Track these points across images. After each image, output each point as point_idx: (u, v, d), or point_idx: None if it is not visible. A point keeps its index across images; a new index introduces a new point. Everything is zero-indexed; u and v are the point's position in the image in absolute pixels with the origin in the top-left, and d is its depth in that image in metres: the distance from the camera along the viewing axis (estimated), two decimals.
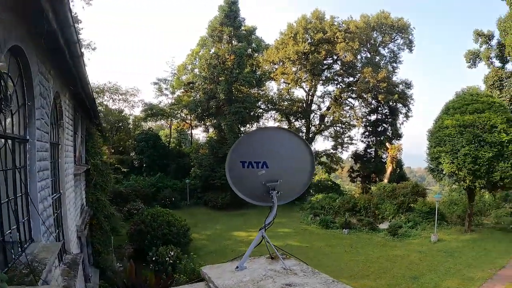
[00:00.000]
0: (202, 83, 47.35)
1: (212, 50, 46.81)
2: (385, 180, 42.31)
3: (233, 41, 46.05)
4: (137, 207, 32.45)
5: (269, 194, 4.11)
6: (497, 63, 49.18)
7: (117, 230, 23.59)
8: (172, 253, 19.84)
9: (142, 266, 19.07)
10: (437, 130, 27.18)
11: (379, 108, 53.65)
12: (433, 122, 28.67)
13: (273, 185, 4.08)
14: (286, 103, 53.67)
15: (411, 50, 53.52)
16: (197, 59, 50.26)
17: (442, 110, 28.48)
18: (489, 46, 49.27)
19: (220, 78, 43.58)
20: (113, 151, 48.67)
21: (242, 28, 47.33)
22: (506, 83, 47.16)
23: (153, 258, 19.70)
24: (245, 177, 4.13)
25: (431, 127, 28.36)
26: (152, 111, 51.32)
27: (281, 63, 50.65)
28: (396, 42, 53.61)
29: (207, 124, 51.90)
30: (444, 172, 26.53)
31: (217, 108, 44.91)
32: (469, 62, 50.74)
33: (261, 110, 53.58)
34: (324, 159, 56.19)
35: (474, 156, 24.79)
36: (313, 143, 55.05)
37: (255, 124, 50.01)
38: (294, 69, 50.57)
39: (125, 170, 46.05)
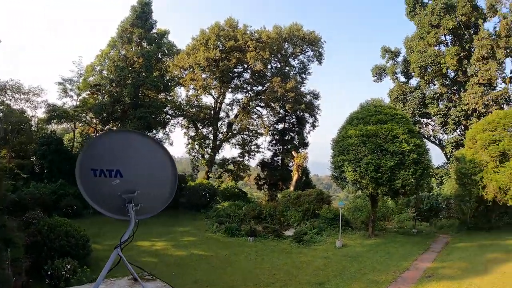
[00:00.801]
0: (109, 86, 45.34)
1: (122, 52, 45.07)
2: (291, 188, 43.21)
3: (143, 43, 44.71)
4: (36, 216, 30.04)
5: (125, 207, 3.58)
6: (402, 78, 52.61)
7: (14, 242, 21.57)
8: (68, 266, 18.37)
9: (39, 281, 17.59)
10: (341, 139, 28.12)
11: (287, 117, 55.24)
12: (337, 131, 29.45)
13: (129, 197, 3.57)
14: (194, 109, 53.09)
15: (320, 63, 55.62)
16: (106, 60, 48.17)
17: (347, 120, 29.61)
18: (395, 62, 52.62)
19: (127, 81, 41.91)
20: (13, 155, 45.02)
21: (154, 30, 46.22)
22: (409, 97, 50.43)
23: (49, 272, 18.12)
24: (99, 186, 3.64)
25: (335, 137, 29.10)
26: (55, 113, 47.97)
27: (191, 69, 50.10)
28: (306, 54, 55.39)
29: (112, 128, 49.74)
30: (347, 180, 27.28)
31: (123, 112, 43.19)
32: (376, 76, 53.75)
33: (168, 116, 52.56)
34: (231, 166, 56.37)
35: (376, 165, 25.87)
36: (220, 150, 55.22)
37: (161, 130, 48.82)
38: (203, 75, 50.25)
39: (25, 176, 42.76)
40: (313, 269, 21.93)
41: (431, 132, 52.04)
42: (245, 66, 52.17)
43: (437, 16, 44.75)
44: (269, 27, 53.18)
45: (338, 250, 26.22)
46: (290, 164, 52.02)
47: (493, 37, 42.84)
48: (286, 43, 53.97)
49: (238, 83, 54.34)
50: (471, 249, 26.69)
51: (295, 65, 56.01)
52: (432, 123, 51.41)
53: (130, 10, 44.24)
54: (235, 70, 52.33)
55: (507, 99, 43.97)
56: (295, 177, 44.32)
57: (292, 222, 33.71)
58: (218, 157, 56.03)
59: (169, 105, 51.43)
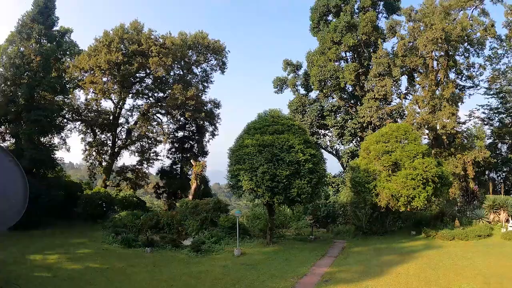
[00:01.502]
0: (3, 85, 41.80)
1: (22, 49, 41.67)
2: (190, 197, 42.88)
3: (42, 40, 41.70)
4: None
5: None
6: (302, 91, 54.43)
7: None
8: None
9: None
10: (237, 148, 28.26)
11: (187, 126, 55.34)
12: (234, 141, 29.51)
13: None
14: (92, 114, 50.75)
15: (223, 72, 56.23)
16: (4, 56, 44.32)
17: (244, 130, 29.80)
18: (296, 75, 54.24)
19: (22, 81, 38.89)
20: None
21: (56, 28, 43.37)
22: (308, 109, 52.21)
23: None
24: None
25: (232, 146, 29.11)
26: None
27: (91, 71, 48.12)
28: (210, 62, 55.49)
29: (3, 132, 45.93)
30: (243, 189, 27.29)
31: (16, 114, 39.93)
32: (277, 87, 55.06)
33: (65, 120, 49.97)
34: (130, 174, 54.80)
35: (272, 174, 26.26)
36: (118, 158, 53.62)
37: (56, 135, 45.95)
38: (104, 79, 48.50)
39: None
40: (212, 278, 21.63)
41: (328, 143, 54.57)
42: (147, 71, 51.21)
43: (339, 34, 47.10)
44: (175, 33, 52.53)
45: (236, 258, 26.21)
46: (189, 172, 51.60)
47: (390, 56, 45.91)
48: (191, 50, 53.87)
49: (139, 88, 53.31)
50: (367, 252, 28.09)
51: (198, 73, 56.39)
52: (330, 134, 53.92)
53: (32, 3, 41.02)
54: (137, 75, 51.22)
55: (401, 113, 47.06)
56: (193, 185, 43.93)
57: (190, 232, 33.31)
58: (117, 164, 54.30)
59: (66, 109, 48.63)
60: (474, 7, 45.47)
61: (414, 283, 20.09)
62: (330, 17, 51.46)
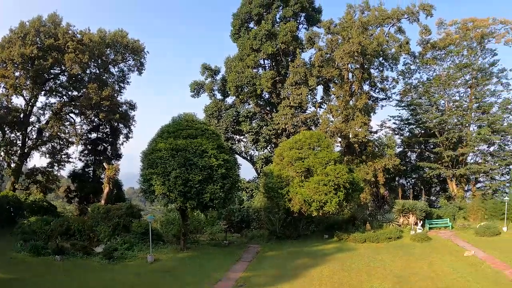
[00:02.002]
0: None
1: None
2: (102, 201, 41.34)
3: None
4: None
5: None
6: (219, 96, 54.79)
7: None
8: None
9: None
10: (150, 152, 27.91)
11: (101, 127, 53.27)
12: (148, 144, 28.98)
13: None
14: (2, 111, 47.18)
15: (140, 73, 55.25)
16: None
17: (157, 133, 29.45)
18: (214, 80, 54.40)
19: None
20: None
21: None
22: (224, 114, 52.50)
23: None
24: None
25: (145, 149, 28.57)
26: None
27: (4, 64, 45.04)
28: (127, 62, 53.93)
29: None
30: (156, 194, 26.83)
31: None
32: (194, 91, 54.94)
33: None
34: (40, 177, 51.96)
35: (185, 179, 26.20)
36: (28, 159, 50.73)
37: None
38: (17, 73, 45.74)
39: None
40: (126, 287, 21.23)
41: (243, 148, 55.46)
42: (62, 68, 48.82)
43: (259, 41, 47.90)
44: (94, 30, 50.67)
45: (150, 265, 25.86)
46: (102, 176, 49.85)
47: (307, 66, 47.37)
48: (109, 48, 52.12)
49: (53, 86, 50.84)
50: (281, 256, 28.82)
51: (115, 73, 54.67)
52: (245, 140, 54.70)
53: None
54: (51, 71, 48.77)
55: (315, 121, 48.64)
56: (106, 190, 42.40)
57: (102, 238, 32.14)
58: (27, 166, 51.44)
59: None
60: (391, 24, 48.53)
61: (327, 285, 21.08)
62: (251, 25, 52.31)
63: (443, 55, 53.70)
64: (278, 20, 51.46)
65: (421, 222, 37.73)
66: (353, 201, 36.74)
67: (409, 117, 58.42)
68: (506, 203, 38.50)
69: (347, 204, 35.62)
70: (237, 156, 47.31)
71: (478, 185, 54.89)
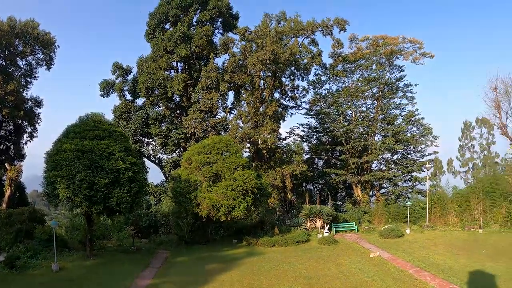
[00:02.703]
0: None
1: None
2: (4, 205, 38.98)
3: None
4: None
5: None
6: (129, 97, 53.53)
7: None
8: None
9: None
10: (55, 153, 26.69)
11: (4, 124, 49.78)
12: (52, 144, 27.72)
13: None
14: None
15: (49, 68, 52.05)
16: None
17: (63, 133, 28.25)
18: (125, 80, 53.13)
19: None
20: None
21: None
22: (133, 116, 51.49)
23: None
24: None
25: (50, 150, 27.31)
26: None
27: None
28: (36, 56, 50.97)
29: None
30: (60, 197, 25.72)
31: None
32: (103, 91, 53.33)
33: None
34: None
35: (90, 182, 25.52)
36: None
37: None
38: None
39: None
40: None
41: (151, 152, 55.18)
42: None
43: (174, 43, 47.67)
44: (4, 17, 47.24)
45: (55, 274, 24.78)
46: (4, 177, 46.82)
47: (220, 71, 47.60)
48: (18, 39, 48.54)
49: None
50: (190, 262, 29.00)
51: (22, 66, 51.09)
52: (154, 143, 54.29)
53: None
54: None
55: (225, 126, 49.24)
56: (7, 193, 40.05)
57: (3, 246, 30.36)
58: None
59: None
60: (306, 36, 50.62)
61: None
62: (167, 26, 51.88)
63: (353, 68, 56.87)
64: (194, 23, 51.73)
65: (328, 225, 39.50)
66: (261, 206, 37.64)
67: (317, 126, 61.46)
68: (408, 207, 41.96)
69: (256, 209, 36.38)
70: (145, 159, 46.80)
71: (382, 190, 58.92)
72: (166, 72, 49.52)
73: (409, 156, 58.64)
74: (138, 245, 34.61)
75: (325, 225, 39.17)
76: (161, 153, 54.35)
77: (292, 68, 50.11)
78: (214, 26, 52.89)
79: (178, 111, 52.95)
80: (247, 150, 48.79)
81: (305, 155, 58.83)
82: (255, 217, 39.17)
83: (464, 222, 41.91)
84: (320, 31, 50.05)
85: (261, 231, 37.71)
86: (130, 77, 54.11)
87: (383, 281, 22.76)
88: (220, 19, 53.44)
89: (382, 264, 27.11)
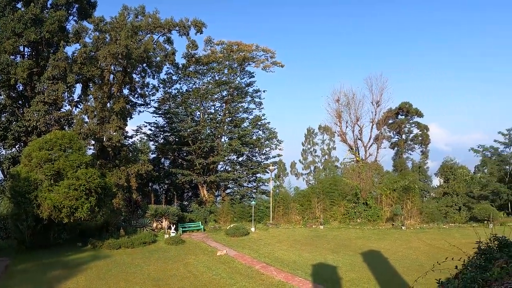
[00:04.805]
0: None
1: None
2: None
3: None
4: None
5: None
6: None
7: None
8: None
9: None
10: None
11: None
12: None
13: None
14: None
15: None
16: None
17: None
18: None
19: None
20: None
21: None
22: None
23: None
24: None
25: None
26: None
27: None
28: None
29: None
30: None
31: None
32: None
33: None
34: None
35: None
36: None
37: None
38: None
39: None
40: None
41: None
42: None
43: (23, 25, 42.55)
44: None
45: None
46: None
47: (69, 61, 44.08)
48: None
49: None
50: (33, 269, 26.85)
51: None
52: None
53: None
54: None
55: (70, 121, 46.05)
56: None
57: None
58: None
59: None
60: (162, 34, 50.08)
61: None
62: (19, 5, 46.10)
63: (205, 70, 58.30)
64: (49, 6, 46.90)
65: (175, 226, 40.00)
66: (106, 207, 36.50)
67: (165, 125, 61.76)
68: (253, 206, 44.66)
69: (100, 210, 35.09)
70: None
71: (228, 190, 61.34)
72: (11, 56, 44.15)
73: (254, 158, 62.00)
74: None
75: (172, 225, 39.70)
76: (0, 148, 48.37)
77: (144, 65, 49.13)
78: (70, 11, 48.61)
79: (20, 101, 47.65)
80: (92, 147, 46.28)
81: (152, 154, 58.97)
82: (99, 218, 37.63)
83: (306, 220, 46.38)
84: (177, 30, 50.24)
85: (106, 233, 36.79)
86: None
87: (231, 278, 23.96)
88: (77, 5, 49.22)
89: (229, 261, 28.43)
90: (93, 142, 45.07)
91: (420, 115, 68.02)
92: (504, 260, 6.09)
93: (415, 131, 69.22)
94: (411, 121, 69.17)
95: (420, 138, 68.53)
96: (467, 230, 40.46)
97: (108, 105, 45.74)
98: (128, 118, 47.89)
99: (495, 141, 57.41)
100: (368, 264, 27.14)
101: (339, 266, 26.74)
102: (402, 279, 23.31)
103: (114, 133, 43.71)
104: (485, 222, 42.94)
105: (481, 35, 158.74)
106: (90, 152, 44.39)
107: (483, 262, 6.49)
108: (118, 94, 46.99)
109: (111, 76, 47.56)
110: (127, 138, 53.18)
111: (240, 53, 56.99)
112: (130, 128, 59.16)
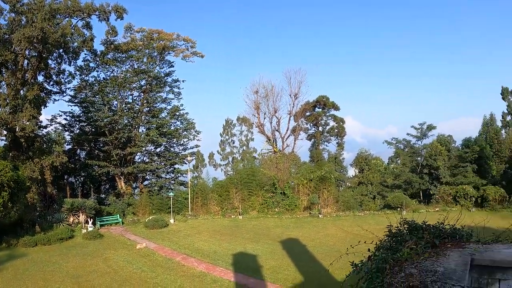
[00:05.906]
0: None
1: None
2: None
3: None
4: None
5: None
6: None
7: None
8: None
9: None
10: None
11: None
12: None
13: None
14: None
15: None
16: None
17: None
18: None
19: None
20: None
21: None
22: None
23: None
24: None
25: None
26: None
27: None
28: None
29: None
30: None
31: None
32: None
33: None
34: None
35: None
36: None
37: None
38: None
39: None
40: None
41: None
42: None
43: None
44: None
45: None
46: None
47: None
48: None
49: None
50: None
51: None
52: None
53: None
54: None
55: None
56: None
57: None
58: None
59: None
60: (81, 18, 47.26)
61: None
62: None
63: (124, 58, 56.38)
64: None
65: (92, 220, 38.68)
66: (19, 202, 34.45)
67: (81, 114, 59.08)
68: (171, 198, 44.32)
69: (13, 206, 33.00)
70: None
71: (146, 182, 60.21)
72: None
73: (172, 149, 61.34)
74: None
75: (89, 220, 38.42)
76: None
77: (61, 50, 46.27)
78: None
79: None
80: (4, 138, 42.89)
81: (67, 145, 56.32)
82: (13, 214, 35.20)
83: (225, 210, 46.91)
84: (97, 15, 47.70)
85: (21, 230, 34.62)
86: None
87: (152, 271, 24.06)
88: None
89: (149, 254, 28.33)
90: (5, 132, 41.73)
91: (336, 108, 71.26)
92: (413, 241, 6.67)
93: (332, 123, 72.52)
94: (327, 114, 72.15)
95: (336, 130, 71.86)
96: (381, 217, 42.15)
97: (22, 92, 42.41)
98: (43, 107, 45.06)
99: (408, 134, 61.05)
100: (287, 252, 28.36)
101: (259, 254, 27.69)
102: (320, 264, 24.76)
103: (28, 123, 40.80)
104: (398, 209, 45.60)
105: (404, 30, 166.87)
106: (1, 143, 41.53)
107: (394, 244, 7.10)
108: (32, 81, 43.72)
109: (26, 61, 43.99)
110: (41, 128, 49.88)
111: (161, 42, 55.76)
112: (44, 117, 55.58)
